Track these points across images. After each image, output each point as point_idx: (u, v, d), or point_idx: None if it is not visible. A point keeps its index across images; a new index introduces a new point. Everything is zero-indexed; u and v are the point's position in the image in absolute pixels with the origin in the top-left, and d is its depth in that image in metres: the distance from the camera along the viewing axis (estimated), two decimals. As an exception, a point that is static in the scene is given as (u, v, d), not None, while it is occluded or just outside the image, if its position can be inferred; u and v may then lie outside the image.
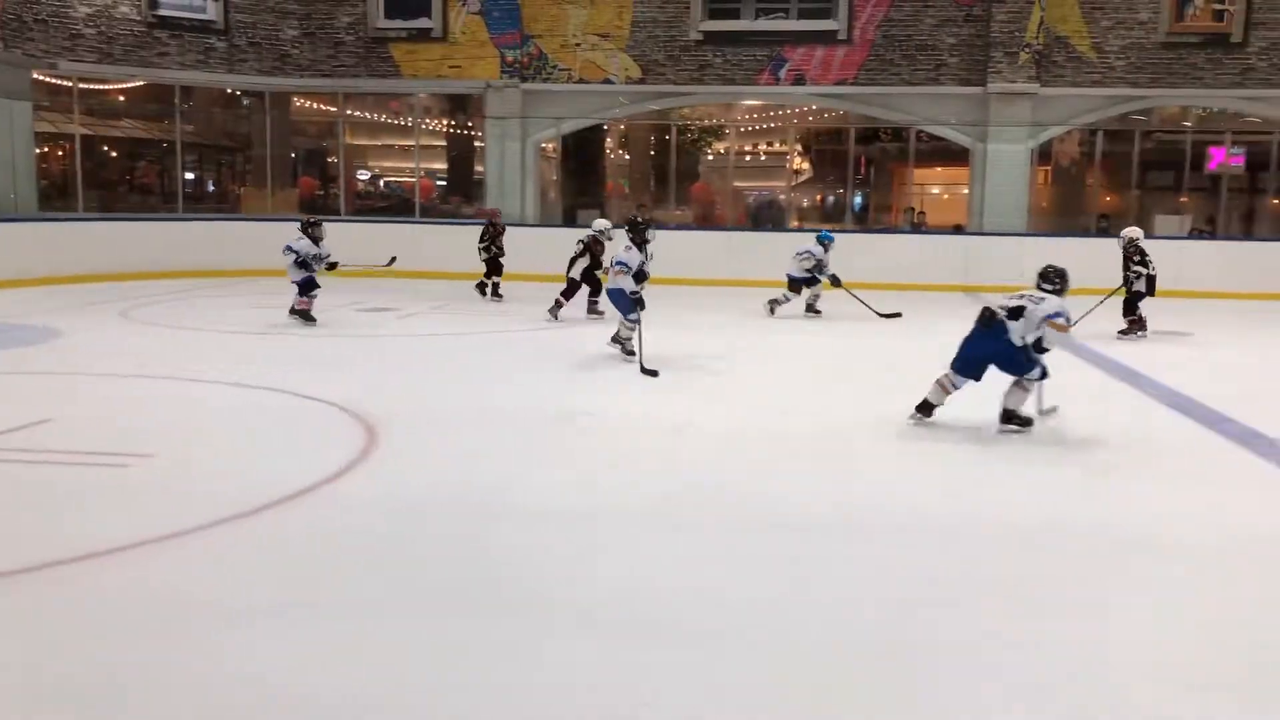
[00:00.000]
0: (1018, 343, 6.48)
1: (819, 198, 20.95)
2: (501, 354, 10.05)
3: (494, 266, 14.43)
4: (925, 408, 6.77)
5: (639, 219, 9.61)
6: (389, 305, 13.24)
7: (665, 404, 7.55)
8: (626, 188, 21.16)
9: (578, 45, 18.59)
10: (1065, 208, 19.84)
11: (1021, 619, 3.70)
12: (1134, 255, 11.44)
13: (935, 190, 20.74)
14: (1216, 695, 3.16)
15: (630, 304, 9.03)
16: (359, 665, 3.23)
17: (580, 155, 20.68)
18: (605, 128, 20.11)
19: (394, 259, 11.90)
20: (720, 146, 20.24)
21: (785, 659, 3.34)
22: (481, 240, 14.38)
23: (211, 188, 21.21)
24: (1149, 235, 18.15)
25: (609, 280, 9.38)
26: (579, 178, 20.78)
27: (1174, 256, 16.82)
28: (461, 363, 9.54)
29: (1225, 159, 18.66)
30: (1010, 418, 6.68)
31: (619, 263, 9.09)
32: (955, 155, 18.64)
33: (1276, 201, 19.57)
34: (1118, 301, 11.68)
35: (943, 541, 4.56)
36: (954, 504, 5.19)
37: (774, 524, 4.80)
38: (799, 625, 3.61)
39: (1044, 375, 6.58)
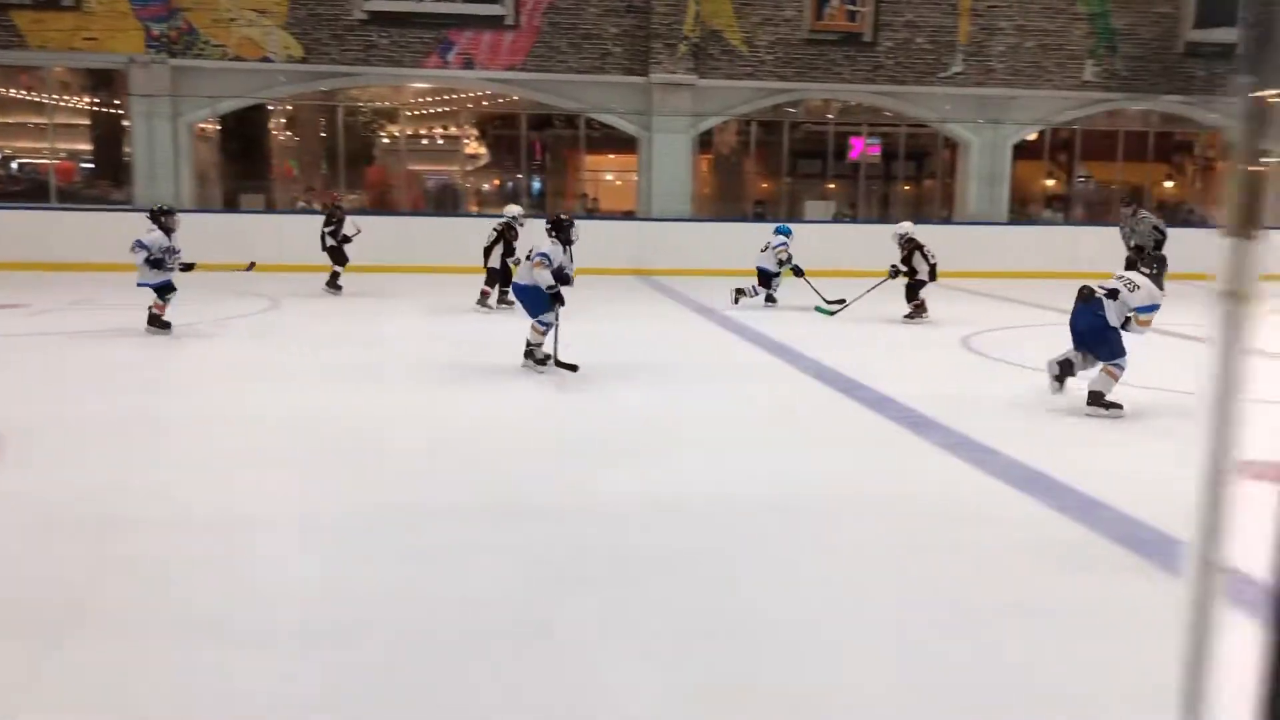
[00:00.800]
0: (1113, 322, 6.85)
1: (496, 182, 20.99)
2: (154, 353, 9.29)
3: (339, 256, 13.52)
4: (1095, 398, 6.96)
5: (563, 216, 8.60)
6: (16, 301, 11.94)
7: (328, 402, 7.28)
8: (296, 171, 20.25)
9: (232, 20, 17.53)
10: (726, 194, 20.97)
11: (649, 591, 3.85)
12: (912, 247, 11.97)
13: (609, 177, 21.31)
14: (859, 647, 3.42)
15: (545, 302, 8.06)
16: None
17: (241, 137, 19.57)
18: (269, 108, 19.13)
19: (253, 264, 10.79)
20: (394, 129, 19.78)
21: (420, 650, 3.30)
22: (328, 225, 13.49)
23: None
24: (799, 220, 19.64)
25: (523, 273, 8.33)
26: (241, 160, 19.66)
27: (821, 238, 18.20)
28: (104, 364, 8.74)
29: (864, 149, 20.42)
30: (1097, 400, 6.97)
31: (541, 254, 8.06)
32: (625, 143, 19.21)
33: (908, 188, 21.64)
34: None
35: (570, 526, 4.66)
36: (573, 492, 5.32)
37: (428, 520, 4.73)
38: (427, 616, 3.58)
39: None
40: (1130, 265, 7.62)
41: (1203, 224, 21.18)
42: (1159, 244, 15.37)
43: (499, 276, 12.23)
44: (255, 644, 3.33)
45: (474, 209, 19.93)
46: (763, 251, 13.30)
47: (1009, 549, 4.38)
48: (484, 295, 12.24)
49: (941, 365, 9.29)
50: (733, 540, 4.41)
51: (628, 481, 5.31)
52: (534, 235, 9.34)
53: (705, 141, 19.89)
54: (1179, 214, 21.79)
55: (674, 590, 3.84)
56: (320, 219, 13.87)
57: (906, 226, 12.42)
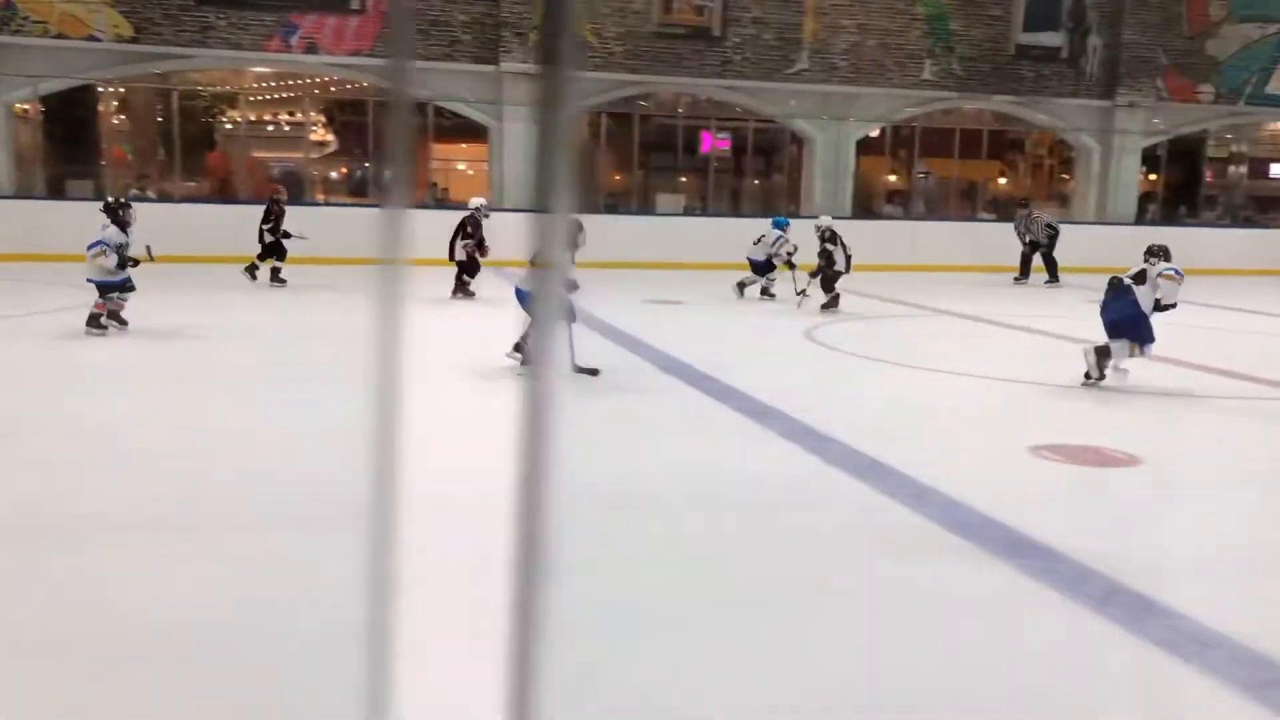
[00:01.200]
0: (1145, 309, 7.56)
1: (344, 170, 20.47)
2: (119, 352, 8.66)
3: (277, 249, 13.12)
4: (1091, 374, 7.75)
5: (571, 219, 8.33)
6: None
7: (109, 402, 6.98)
8: (130, 156, 19.29)
9: (54, -5, 16.58)
10: (578, 186, 20.95)
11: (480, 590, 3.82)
12: (830, 239, 12.23)
13: (462, 166, 21.04)
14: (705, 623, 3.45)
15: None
16: None
17: (67, 119, 18.51)
18: (99, 90, 18.17)
19: (149, 248, 9.92)
20: (235, 115, 19.06)
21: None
22: (267, 221, 13.11)
23: None
24: (651, 212, 19.82)
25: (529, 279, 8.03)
26: (67, 144, 18.61)
27: (671, 232, 18.41)
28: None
29: (714, 143, 20.71)
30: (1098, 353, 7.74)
31: None
32: (476, 132, 18.99)
33: (757, 182, 22.03)
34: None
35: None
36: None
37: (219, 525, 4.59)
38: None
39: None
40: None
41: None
42: (1052, 240, 16.72)
43: (466, 268, 12.48)
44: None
45: (320, 198, 19.37)
46: (755, 244, 13.44)
47: (840, 534, 4.51)
48: (463, 285, 12.53)
49: (786, 356, 9.48)
50: (576, 530, 4.40)
51: (459, 474, 5.25)
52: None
53: (557, 133, 19.83)
54: (1012, 209, 22.82)
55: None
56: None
57: (826, 220, 12.82)
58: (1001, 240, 17.51)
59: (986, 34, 20.28)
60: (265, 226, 13.11)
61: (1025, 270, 17.13)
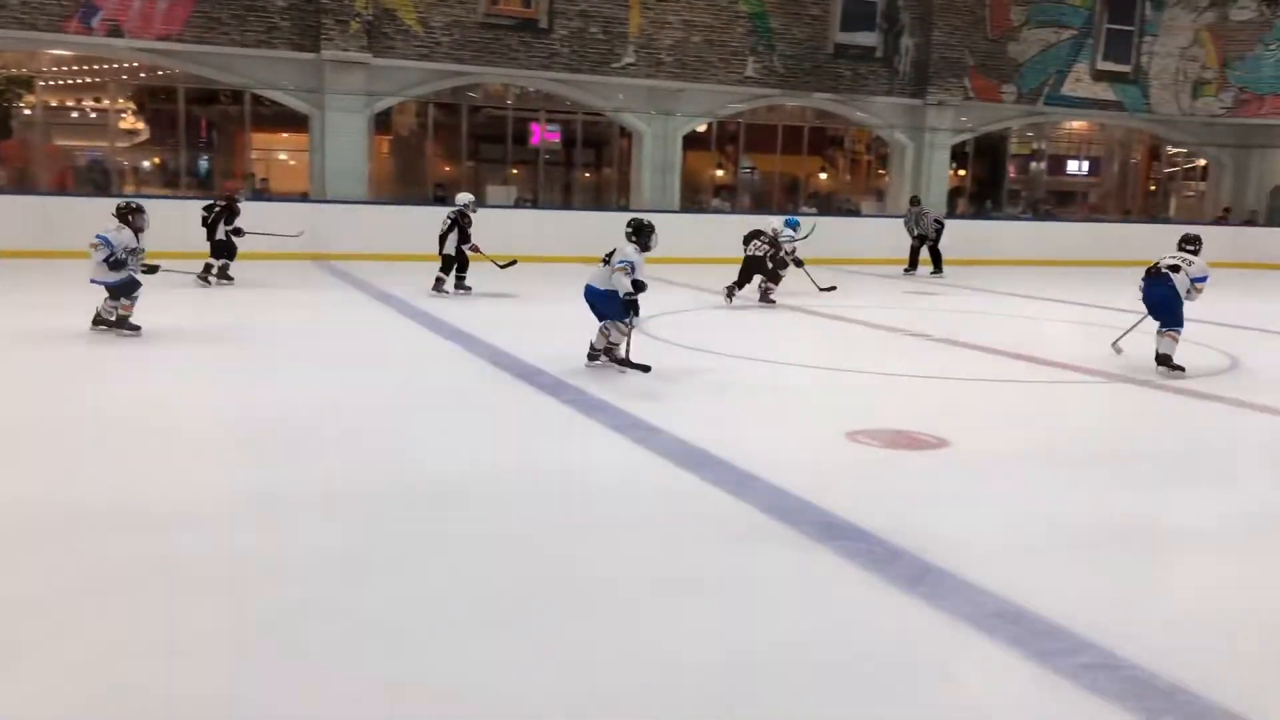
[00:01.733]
0: (1181, 293, 8.51)
1: (156, 160, 19.48)
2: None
3: (228, 248, 13.05)
4: (1164, 359, 8.61)
5: (644, 220, 8.38)
6: None
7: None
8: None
9: None
10: (406, 176, 20.59)
11: (314, 590, 3.73)
12: (772, 243, 12.83)
13: (283, 156, 20.34)
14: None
15: (621, 307, 8.00)
16: None
17: None
18: None
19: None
20: (32, 99, 17.88)
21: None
22: (219, 219, 13.01)
23: None
24: (482, 204, 19.61)
25: (601, 278, 8.05)
26: None
27: (502, 224, 18.27)
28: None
29: (543, 135, 20.67)
30: (1166, 361, 8.61)
31: (624, 260, 7.94)
32: (297, 121, 18.39)
33: (588, 175, 22.12)
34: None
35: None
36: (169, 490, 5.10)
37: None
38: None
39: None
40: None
41: (857, 212, 23.09)
42: (938, 234, 17.63)
43: (454, 263, 12.79)
44: None
45: (130, 189, 18.37)
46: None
47: (664, 524, 4.58)
48: (439, 282, 12.71)
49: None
50: (404, 527, 4.33)
51: (290, 474, 5.09)
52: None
53: (383, 122, 19.43)
54: (835, 204, 23.63)
55: (326, 586, 3.72)
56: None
57: (777, 223, 13.33)
58: (821, 232, 18.09)
59: (806, 33, 20.90)
60: (227, 228, 13.07)
61: (914, 263, 18.10)
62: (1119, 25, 23.37)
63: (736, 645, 3.39)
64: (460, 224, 12.67)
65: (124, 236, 8.92)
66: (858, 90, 21.46)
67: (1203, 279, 8.67)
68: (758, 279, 13.03)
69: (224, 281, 13.10)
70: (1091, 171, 26.40)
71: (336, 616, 3.48)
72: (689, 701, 3.04)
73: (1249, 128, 24.64)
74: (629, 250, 8.11)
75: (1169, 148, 26.30)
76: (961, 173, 24.65)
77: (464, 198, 13.10)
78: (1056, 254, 21.10)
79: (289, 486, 4.95)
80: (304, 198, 18.40)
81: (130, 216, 9.11)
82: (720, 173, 23.22)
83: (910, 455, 5.91)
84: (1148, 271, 8.83)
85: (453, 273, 12.84)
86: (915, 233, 18.00)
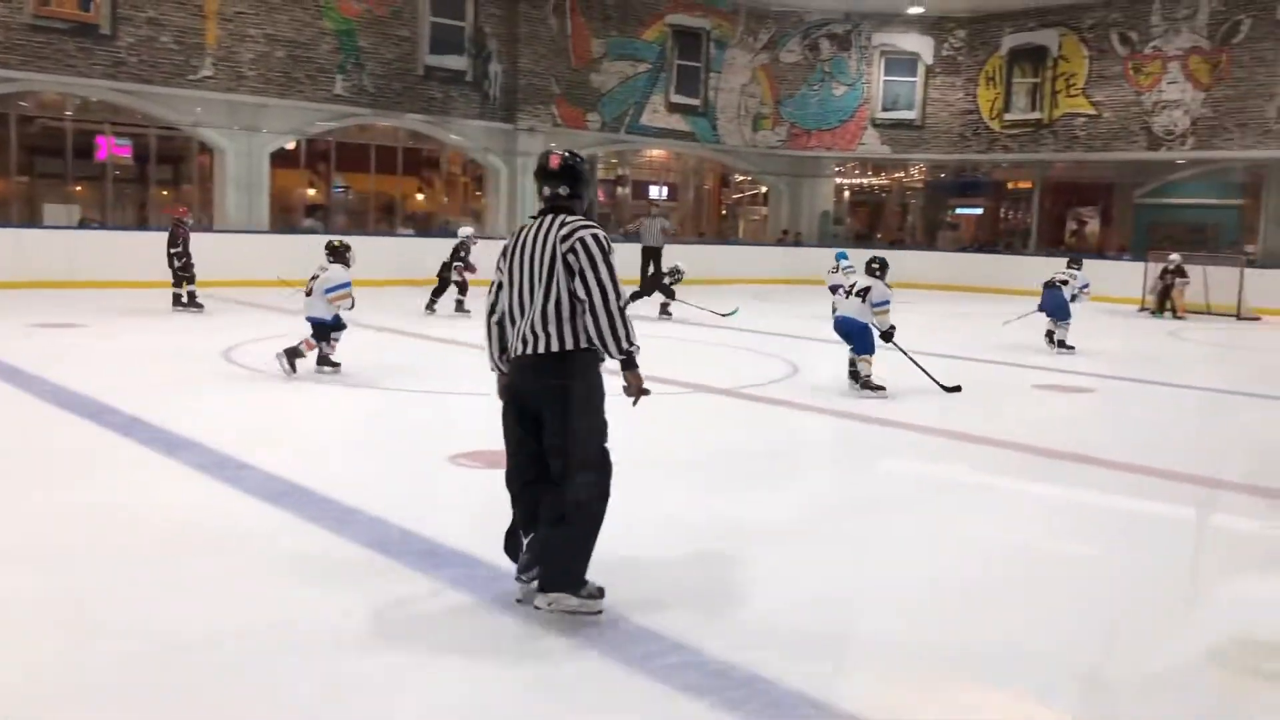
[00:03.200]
0: (1068, 298, 12.43)
1: None
2: None
3: (188, 272, 13.31)
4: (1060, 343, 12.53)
5: (875, 261, 9.19)
6: None
7: None
8: None
9: None
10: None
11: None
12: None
13: None
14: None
15: (872, 341, 8.93)
16: None
17: None
18: None
19: None
20: None
21: None
22: (175, 245, 13.19)
23: None
24: (39, 225, 17.67)
25: (859, 311, 8.89)
26: None
27: (66, 247, 16.60)
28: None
29: (111, 150, 18.93)
30: (1060, 344, 12.48)
31: (883, 302, 8.89)
32: None
33: (165, 193, 20.53)
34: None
35: None
36: None
37: None
38: None
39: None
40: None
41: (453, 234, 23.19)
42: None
43: (458, 288, 14.61)
44: None
45: None
46: (831, 272, 14.19)
47: (258, 567, 4.33)
48: (459, 305, 14.32)
49: (200, 381, 8.92)
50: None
51: None
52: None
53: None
54: (434, 225, 23.62)
55: None
56: None
57: (468, 230, 15.29)
58: (419, 255, 17.94)
59: (396, 53, 20.74)
60: (174, 250, 13.16)
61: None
62: (688, 61, 25.32)
63: (321, 689, 3.27)
64: (457, 252, 14.42)
65: (342, 272, 9.04)
66: (450, 113, 21.61)
67: (1086, 285, 12.95)
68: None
69: (193, 309, 13.33)
70: (671, 196, 28.35)
71: None
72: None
73: (801, 159, 27.59)
74: (879, 288, 8.94)
75: (736, 175, 28.85)
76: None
77: (465, 230, 15.29)
78: (636, 273, 22.34)
79: None
80: None
81: (343, 254, 9.17)
82: (312, 191, 22.46)
83: (512, 475, 5.99)
84: (1046, 283, 12.59)
85: (445, 295, 14.47)
86: (642, 244, 18.23)
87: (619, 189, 27.04)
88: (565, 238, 3.77)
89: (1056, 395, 9.84)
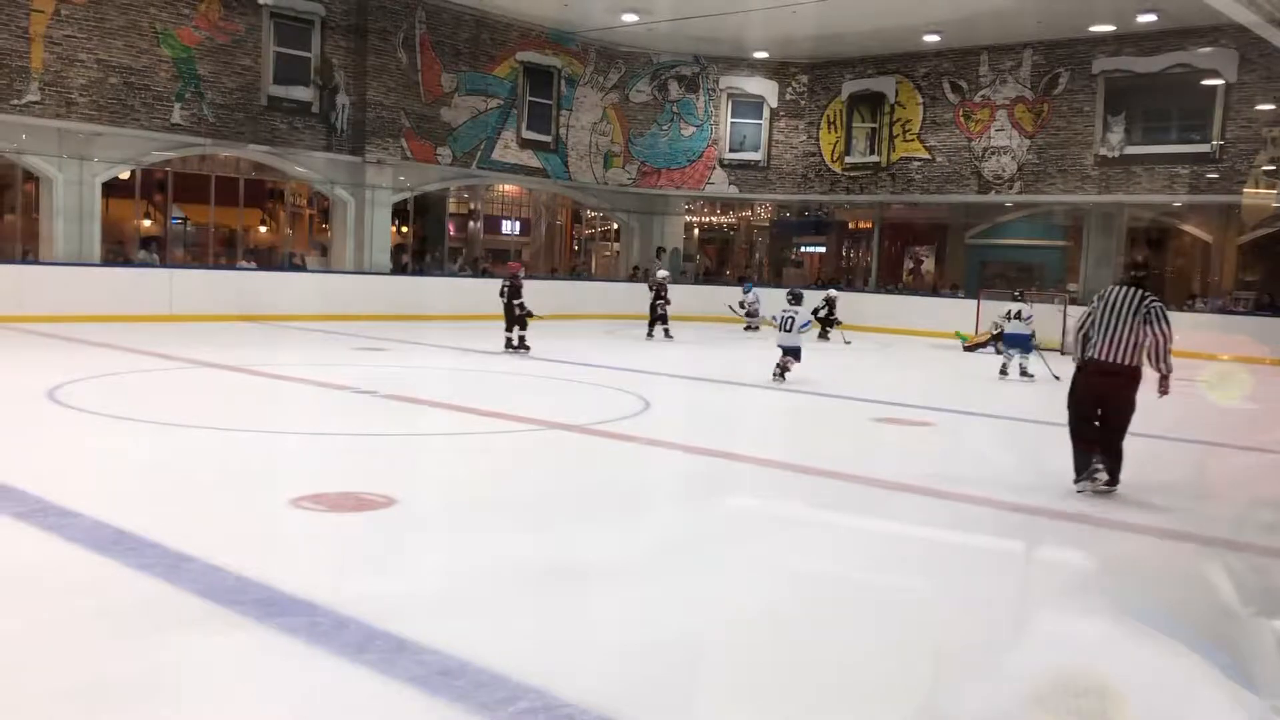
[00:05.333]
0: (1027, 332, 14.78)
1: None
2: None
3: None
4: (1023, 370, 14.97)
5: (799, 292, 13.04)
6: None
7: None
8: None
9: None
10: None
11: None
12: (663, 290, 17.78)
13: None
14: None
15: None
16: None
17: None
18: None
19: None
20: None
21: None
22: None
23: None
24: None
25: (794, 339, 12.61)
26: None
27: None
28: None
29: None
30: (1023, 371, 14.70)
31: (805, 324, 12.77)
32: None
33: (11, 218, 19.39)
34: None
35: None
36: None
37: None
38: None
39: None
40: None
41: (303, 267, 22.64)
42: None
43: (663, 320, 18.94)
44: None
45: None
46: (1011, 319, 15.40)
47: (81, 621, 4.10)
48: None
49: (21, 421, 8.43)
50: None
51: None
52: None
53: None
54: (277, 257, 22.96)
55: None
56: None
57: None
58: (257, 289, 17.50)
59: (238, 83, 20.16)
60: None
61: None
62: (539, 98, 25.43)
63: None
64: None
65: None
66: (295, 144, 21.10)
67: (1031, 317, 15.03)
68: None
69: None
70: (523, 231, 28.34)
71: None
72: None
73: (650, 196, 27.99)
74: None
75: (588, 211, 29.05)
76: (404, 230, 25.22)
77: (662, 273, 19.46)
78: (492, 309, 22.17)
79: None
80: None
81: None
82: (148, 223, 21.59)
83: (357, 516, 5.86)
84: (1009, 314, 15.15)
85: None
86: (656, 280, 20.13)
87: (471, 224, 26.88)
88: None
89: (894, 428, 10.21)
